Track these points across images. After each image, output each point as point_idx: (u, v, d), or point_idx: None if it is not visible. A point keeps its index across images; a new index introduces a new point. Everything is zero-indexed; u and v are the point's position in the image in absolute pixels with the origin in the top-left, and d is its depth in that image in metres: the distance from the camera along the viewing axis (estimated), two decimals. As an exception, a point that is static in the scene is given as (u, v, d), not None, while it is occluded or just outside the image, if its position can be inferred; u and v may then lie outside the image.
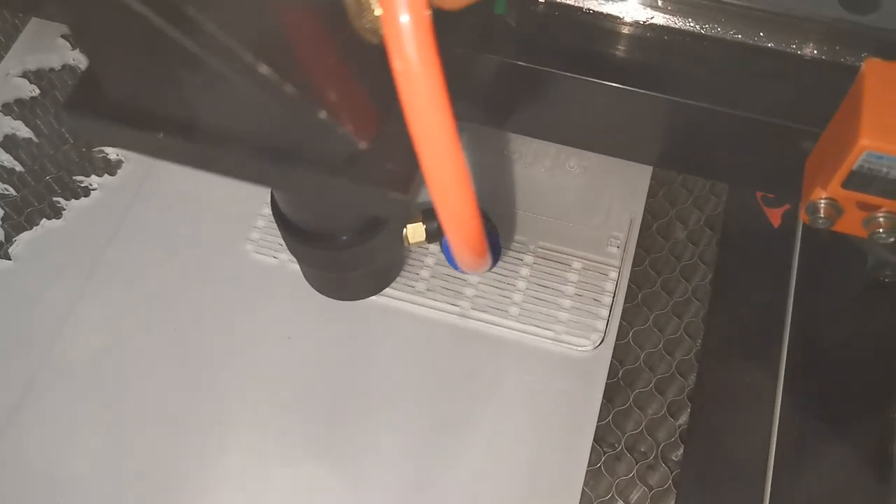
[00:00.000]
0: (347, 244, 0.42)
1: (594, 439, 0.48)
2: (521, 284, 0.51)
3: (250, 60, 0.25)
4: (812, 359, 0.49)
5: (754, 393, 0.49)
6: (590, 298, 0.51)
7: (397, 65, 0.24)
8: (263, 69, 0.25)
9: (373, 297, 0.51)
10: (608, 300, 0.51)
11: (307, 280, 0.50)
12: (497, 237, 0.51)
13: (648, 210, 0.54)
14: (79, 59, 0.60)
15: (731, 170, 0.54)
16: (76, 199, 0.54)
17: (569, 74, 0.41)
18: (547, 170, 0.55)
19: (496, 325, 0.50)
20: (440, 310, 0.51)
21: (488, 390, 0.49)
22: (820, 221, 0.40)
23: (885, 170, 0.35)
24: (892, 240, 0.39)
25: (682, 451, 0.47)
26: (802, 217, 0.40)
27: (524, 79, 0.42)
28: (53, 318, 0.50)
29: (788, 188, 0.45)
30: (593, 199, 0.54)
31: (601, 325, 0.50)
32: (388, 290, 0.51)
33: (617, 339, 0.50)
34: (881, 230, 0.39)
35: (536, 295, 0.51)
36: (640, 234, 0.53)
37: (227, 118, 0.29)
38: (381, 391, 0.49)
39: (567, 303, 0.51)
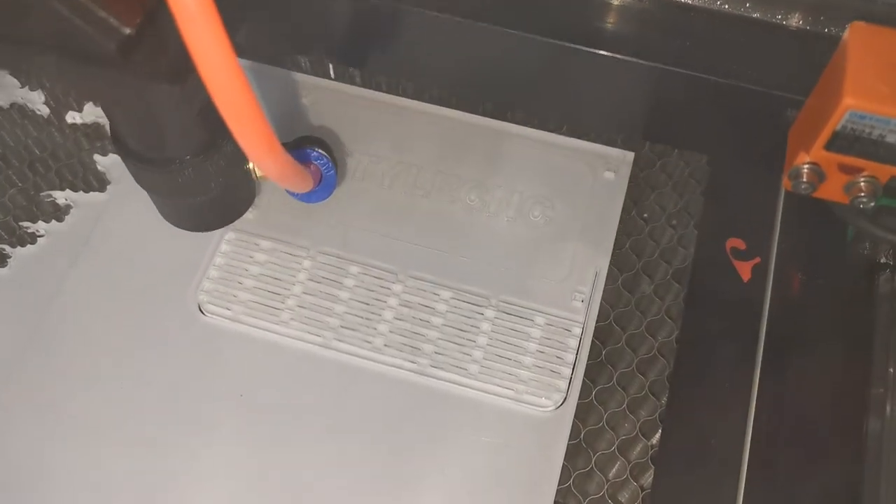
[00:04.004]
0: (181, 167, 0.43)
1: (554, 503, 0.46)
2: (481, 340, 0.50)
3: None
4: (779, 424, 0.48)
5: (720, 455, 0.47)
6: (552, 356, 0.49)
7: None
8: None
9: (328, 353, 0.49)
10: (571, 358, 0.49)
11: (159, 211, 0.50)
12: (331, 165, 0.50)
13: (614, 262, 0.53)
14: (27, 98, 0.58)
15: (716, 141, 0.56)
16: (22, 246, 0.52)
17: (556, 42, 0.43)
18: (510, 220, 0.53)
19: (455, 383, 0.49)
20: (398, 367, 0.49)
21: (446, 451, 0.47)
22: (802, 187, 0.40)
23: (867, 130, 0.36)
24: (872, 205, 0.40)
25: (644, 518, 0.46)
26: (785, 184, 0.42)
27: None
28: (-5, 373, 0.48)
29: (772, 160, 0.46)
30: (558, 251, 0.52)
31: (563, 384, 0.48)
32: (343, 346, 0.49)
33: (580, 398, 0.49)
34: (862, 195, 0.39)
35: (497, 352, 0.49)
36: (605, 288, 0.52)
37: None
38: (336, 451, 0.47)
39: (529, 360, 0.49)
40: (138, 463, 0.46)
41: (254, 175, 0.49)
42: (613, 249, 0.53)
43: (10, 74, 0.58)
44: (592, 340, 0.50)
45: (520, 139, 0.56)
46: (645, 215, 0.54)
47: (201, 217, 0.50)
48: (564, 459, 0.47)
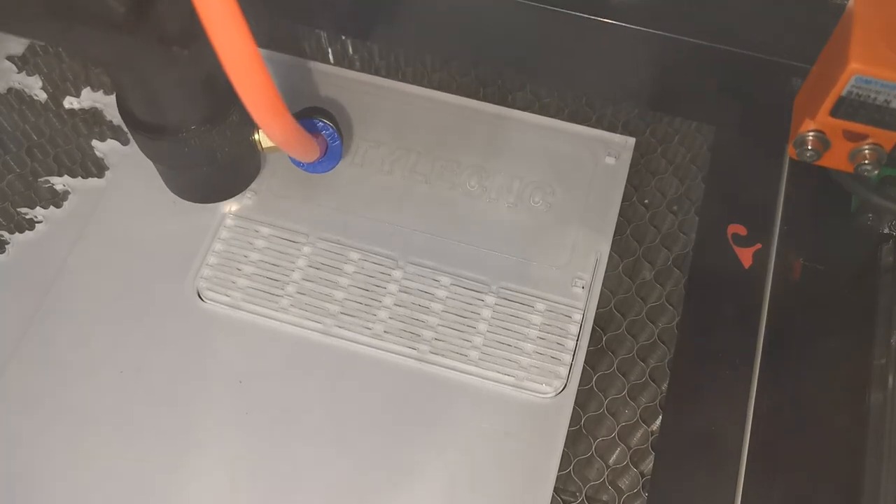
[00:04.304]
0: (187, 137, 0.44)
1: (554, 489, 0.46)
2: (481, 327, 0.49)
3: None
4: (780, 405, 0.48)
5: (721, 442, 0.47)
6: (553, 342, 0.49)
7: None
8: None
9: (328, 339, 0.49)
10: (571, 344, 0.49)
11: (165, 183, 0.50)
12: (336, 136, 0.51)
13: (615, 248, 0.52)
14: (25, 83, 0.57)
15: (721, 110, 0.56)
16: (20, 232, 0.52)
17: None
18: (511, 206, 0.53)
19: (455, 370, 0.48)
20: (398, 353, 0.49)
21: (445, 437, 0.47)
22: (807, 154, 0.41)
23: (873, 95, 0.36)
24: (876, 172, 0.40)
25: (645, 500, 0.46)
26: (789, 152, 0.42)
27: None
28: (-6, 359, 0.48)
29: (774, 145, 0.50)
30: (558, 237, 0.52)
31: (563, 370, 0.48)
32: (343, 332, 0.49)
33: (580, 384, 0.49)
34: (867, 162, 0.40)
35: (498, 338, 0.49)
36: (605, 274, 0.51)
37: None
38: (336, 437, 0.47)
39: (529, 347, 0.49)
40: (137, 450, 0.46)
41: (259, 147, 0.49)
42: (614, 235, 0.52)
43: (6, 59, 0.58)
44: (593, 327, 0.50)
45: (520, 124, 0.56)
46: (646, 201, 0.54)
47: (207, 188, 0.51)
48: (565, 446, 0.47)
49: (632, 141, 0.55)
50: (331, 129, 0.50)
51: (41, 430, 0.47)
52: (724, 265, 0.52)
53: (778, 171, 0.54)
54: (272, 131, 0.40)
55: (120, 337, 0.49)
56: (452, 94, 0.57)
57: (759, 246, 0.52)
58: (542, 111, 0.57)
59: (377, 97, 0.57)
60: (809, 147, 0.40)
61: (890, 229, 0.49)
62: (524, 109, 0.56)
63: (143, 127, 0.44)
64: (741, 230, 0.53)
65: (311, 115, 0.50)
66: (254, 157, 0.52)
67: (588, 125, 0.56)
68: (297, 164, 0.52)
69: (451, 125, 0.56)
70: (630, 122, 0.56)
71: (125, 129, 0.55)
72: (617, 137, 0.55)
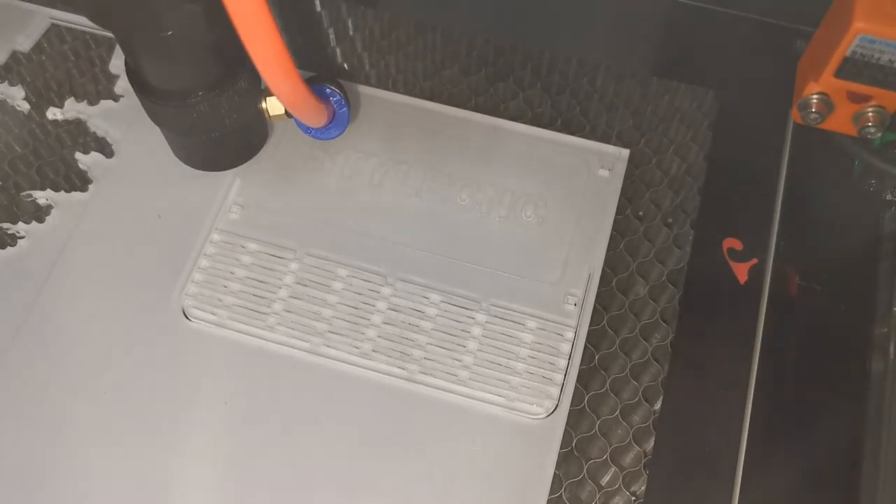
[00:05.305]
0: (196, 102, 0.45)
1: (546, 512, 0.45)
2: (472, 346, 0.49)
3: None
4: (776, 426, 0.47)
5: (715, 463, 0.47)
6: (544, 361, 0.48)
7: None
8: None
9: (316, 359, 0.48)
10: (563, 363, 0.48)
11: (172, 151, 0.52)
12: (343, 102, 0.51)
13: (608, 263, 0.51)
14: (7, 94, 0.56)
15: (724, 75, 0.56)
16: (2, 248, 0.51)
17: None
18: (502, 219, 0.52)
19: (445, 390, 0.48)
20: (386, 373, 0.48)
21: (435, 459, 0.46)
22: (811, 117, 0.41)
23: (877, 55, 0.36)
24: (880, 135, 0.41)
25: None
26: (793, 115, 0.43)
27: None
28: (-25, 380, 0.47)
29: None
30: (550, 252, 0.51)
31: (555, 391, 0.47)
32: (331, 351, 0.48)
33: (572, 404, 0.48)
34: (870, 125, 0.40)
35: (488, 357, 0.48)
36: (598, 290, 0.50)
37: None
38: (324, 459, 0.46)
39: (520, 366, 0.48)
40: (119, 474, 0.45)
41: (267, 115, 0.50)
42: (607, 250, 0.52)
43: None
44: (585, 345, 0.49)
45: (512, 135, 0.55)
46: (640, 213, 0.53)
47: (215, 155, 0.51)
48: (556, 468, 0.46)
49: (626, 152, 0.54)
50: (339, 96, 0.51)
51: (21, 453, 0.46)
52: (719, 281, 0.51)
53: (774, 183, 0.53)
54: (282, 92, 0.41)
55: (103, 358, 0.48)
56: (444, 103, 0.56)
57: (755, 261, 0.51)
58: (535, 120, 0.55)
59: (367, 106, 0.55)
60: (813, 109, 0.40)
61: (892, 196, 0.49)
62: (517, 119, 0.55)
63: (151, 92, 0.45)
64: (737, 244, 0.52)
65: (319, 81, 0.51)
66: (262, 125, 0.52)
67: (582, 135, 0.55)
68: (305, 129, 0.52)
69: (443, 136, 0.54)
70: (624, 132, 0.55)
71: (108, 140, 0.54)
72: (611, 149, 0.54)
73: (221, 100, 0.46)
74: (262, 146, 0.53)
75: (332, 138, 0.53)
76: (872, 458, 0.44)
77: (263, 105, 0.50)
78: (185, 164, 0.52)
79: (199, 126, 0.47)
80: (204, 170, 0.52)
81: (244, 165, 0.53)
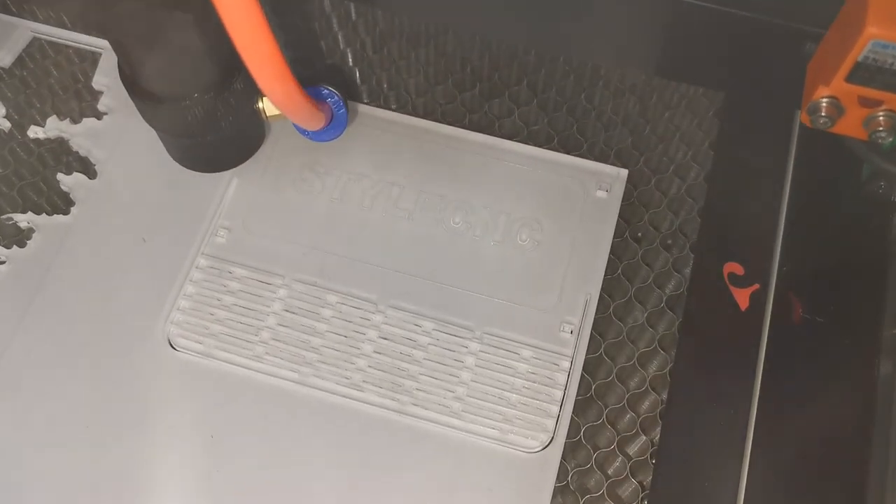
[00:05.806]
0: (190, 105, 0.44)
1: (541, 548, 0.44)
2: (465, 376, 0.47)
3: None
4: (778, 462, 0.46)
5: (713, 498, 0.45)
6: (539, 392, 0.47)
7: None
8: None
9: (304, 390, 0.47)
10: (559, 394, 0.47)
11: (168, 153, 0.51)
12: (341, 104, 0.51)
13: (605, 289, 0.50)
14: (2, 124, 0.54)
15: (732, 76, 0.55)
16: (-18, 274, 0.50)
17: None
18: (497, 243, 0.51)
19: (437, 422, 0.46)
20: (377, 405, 0.47)
21: (426, 494, 0.45)
22: (821, 121, 0.41)
23: (890, 60, 0.36)
24: (891, 140, 0.40)
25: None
26: (802, 118, 0.42)
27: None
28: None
29: (788, 97, 0.50)
30: (546, 278, 0.50)
31: (550, 423, 0.46)
32: (320, 382, 0.47)
33: (568, 436, 0.46)
34: (881, 129, 0.40)
35: (482, 388, 0.47)
36: (595, 317, 0.49)
37: None
38: (312, 494, 0.45)
39: (514, 398, 0.47)
40: (105, 511, 0.44)
41: (263, 115, 0.49)
42: (605, 275, 0.50)
43: None
44: (581, 374, 0.48)
45: (508, 154, 0.53)
46: (639, 235, 0.52)
47: (212, 157, 0.51)
48: (551, 502, 0.45)
49: (624, 172, 0.53)
50: (336, 97, 0.50)
51: (2, 487, 0.45)
52: (719, 307, 0.50)
53: (778, 204, 0.52)
54: (276, 97, 0.40)
55: (85, 387, 0.47)
56: (437, 121, 0.54)
57: (756, 287, 0.50)
58: (531, 139, 0.54)
59: (359, 125, 0.54)
60: (823, 113, 0.40)
61: None
62: (511, 137, 0.54)
63: (145, 95, 0.44)
64: (738, 269, 0.50)
65: (316, 83, 0.50)
66: (258, 125, 0.51)
67: (578, 154, 0.53)
68: (303, 132, 0.51)
69: (436, 155, 0.53)
70: (623, 151, 0.54)
71: (91, 160, 0.52)
72: (608, 168, 0.53)
73: (217, 102, 0.45)
74: (259, 146, 0.52)
75: (330, 140, 0.52)
76: (888, 390, 0.43)
77: (260, 105, 0.49)
78: (182, 165, 0.51)
79: (195, 129, 0.46)
80: (202, 171, 0.51)
81: (232, 186, 0.51)
